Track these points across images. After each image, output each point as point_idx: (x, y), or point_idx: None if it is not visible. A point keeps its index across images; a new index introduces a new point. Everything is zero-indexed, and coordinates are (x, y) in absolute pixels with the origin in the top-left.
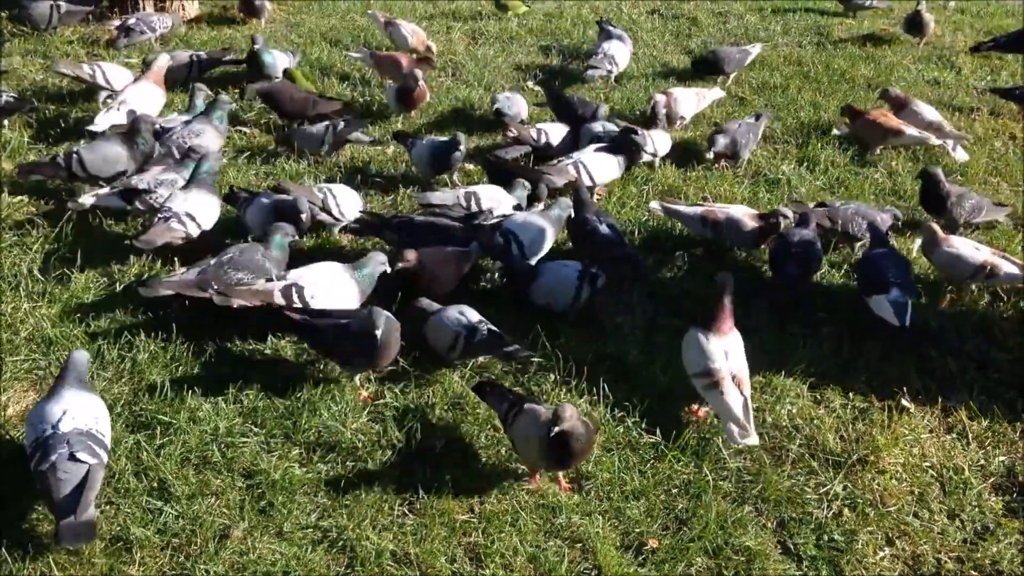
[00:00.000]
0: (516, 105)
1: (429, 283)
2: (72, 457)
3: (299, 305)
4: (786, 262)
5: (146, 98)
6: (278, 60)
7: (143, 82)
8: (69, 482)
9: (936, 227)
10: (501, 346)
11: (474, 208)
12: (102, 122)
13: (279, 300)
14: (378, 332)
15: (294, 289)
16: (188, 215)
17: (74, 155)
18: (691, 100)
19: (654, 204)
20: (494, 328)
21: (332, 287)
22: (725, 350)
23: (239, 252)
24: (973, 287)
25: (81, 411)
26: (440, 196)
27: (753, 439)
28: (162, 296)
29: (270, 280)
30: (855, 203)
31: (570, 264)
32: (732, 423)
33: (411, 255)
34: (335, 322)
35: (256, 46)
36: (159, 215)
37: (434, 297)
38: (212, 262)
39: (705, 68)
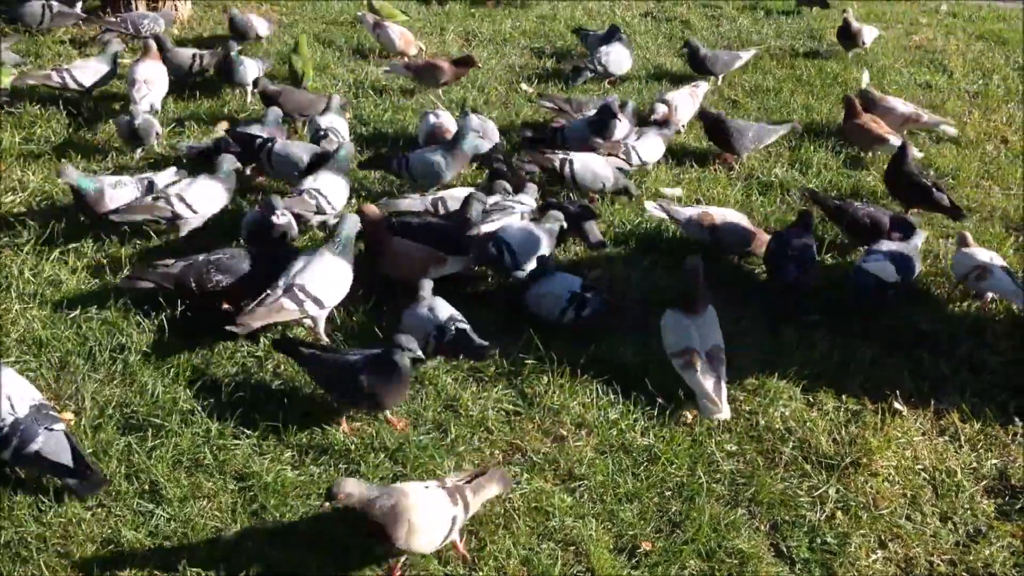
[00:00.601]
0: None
1: (396, 267)
2: (49, 430)
3: (312, 306)
4: (783, 264)
5: (160, 75)
6: (249, 69)
7: (148, 61)
8: (63, 448)
9: (968, 234)
10: (471, 344)
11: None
12: (143, 106)
13: (290, 307)
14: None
15: (298, 290)
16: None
17: (267, 146)
18: (687, 104)
19: (650, 204)
20: (464, 325)
21: (329, 274)
22: (699, 329)
23: (227, 255)
24: (969, 288)
25: (19, 390)
26: (408, 203)
27: (724, 414)
28: (143, 288)
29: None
30: (874, 207)
31: (568, 280)
32: (704, 399)
33: (371, 208)
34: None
35: (232, 52)
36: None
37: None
38: (200, 258)
39: (694, 66)
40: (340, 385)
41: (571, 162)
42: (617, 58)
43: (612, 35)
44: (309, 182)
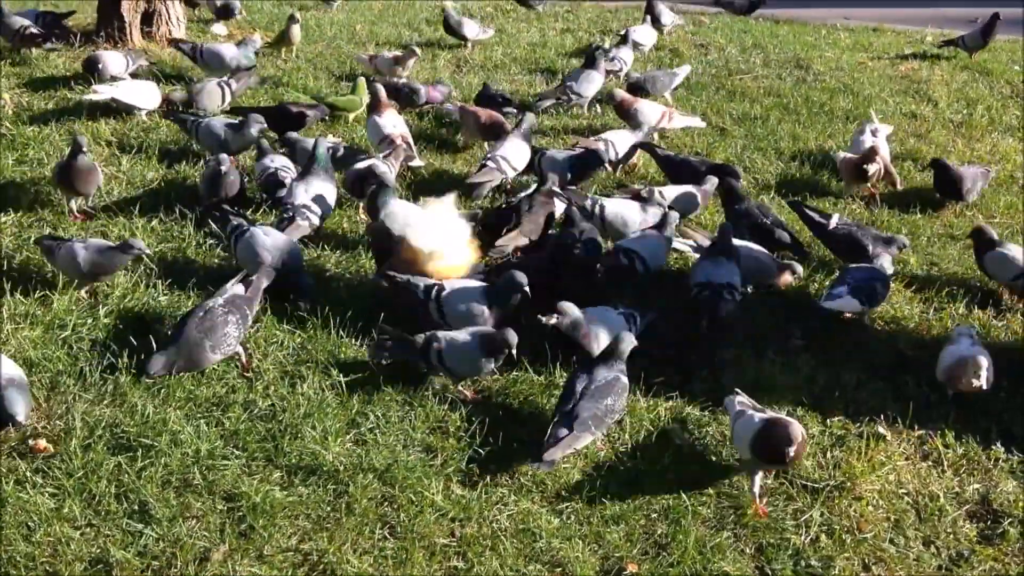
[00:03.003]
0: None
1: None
2: None
3: None
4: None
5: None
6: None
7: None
8: None
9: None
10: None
11: None
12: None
13: None
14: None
15: None
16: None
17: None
18: (656, 110)
19: (678, 243)
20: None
21: None
22: None
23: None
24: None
25: None
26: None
27: None
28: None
29: None
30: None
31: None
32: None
33: None
34: None
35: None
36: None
37: None
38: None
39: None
40: None
41: (602, 207)
42: (588, 83)
43: (588, 61)
44: (300, 194)
